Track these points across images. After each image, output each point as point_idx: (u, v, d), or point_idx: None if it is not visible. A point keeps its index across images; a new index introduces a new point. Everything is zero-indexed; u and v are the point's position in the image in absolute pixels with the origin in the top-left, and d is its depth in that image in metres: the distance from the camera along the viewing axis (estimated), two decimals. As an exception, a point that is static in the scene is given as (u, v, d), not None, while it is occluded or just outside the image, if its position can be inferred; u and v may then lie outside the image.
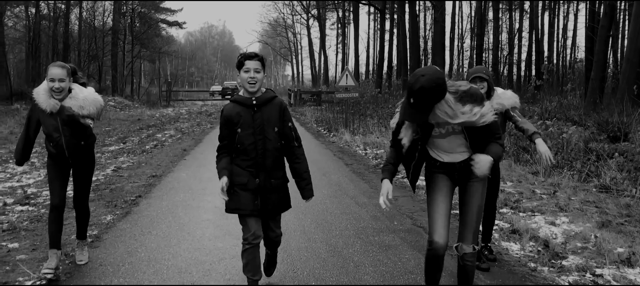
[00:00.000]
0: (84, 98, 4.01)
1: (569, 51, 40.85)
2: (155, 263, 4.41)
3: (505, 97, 4.38)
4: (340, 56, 56.45)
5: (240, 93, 3.50)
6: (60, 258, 4.19)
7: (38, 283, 3.99)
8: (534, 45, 35.20)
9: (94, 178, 8.27)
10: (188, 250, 4.77)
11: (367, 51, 51.73)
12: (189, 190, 7.44)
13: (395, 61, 37.80)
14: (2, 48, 30.16)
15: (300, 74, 67.31)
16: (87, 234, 4.68)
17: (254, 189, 3.41)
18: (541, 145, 4.15)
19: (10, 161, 10.11)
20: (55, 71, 3.90)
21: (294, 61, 68.76)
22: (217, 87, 53.13)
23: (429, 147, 3.19)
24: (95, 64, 37.38)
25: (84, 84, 4.19)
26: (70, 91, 4.01)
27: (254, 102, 3.39)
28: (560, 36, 40.89)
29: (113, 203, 6.62)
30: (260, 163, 3.40)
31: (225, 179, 3.35)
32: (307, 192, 3.62)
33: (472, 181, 3.15)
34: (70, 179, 4.30)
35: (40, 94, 3.97)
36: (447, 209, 3.14)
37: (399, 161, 3.25)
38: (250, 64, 3.33)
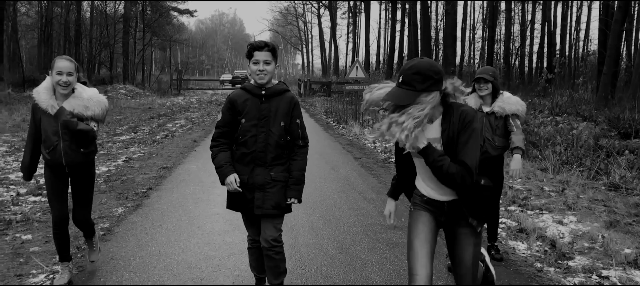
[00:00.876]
0: (89, 98, 3.73)
1: (581, 44, 40.37)
2: (165, 258, 4.48)
3: (509, 102, 4.32)
4: (350, 46, 56.36)
5: (251, 82, 3.35)
6: (72, 270, 4.03)
7: (51, 276, 4.08)
8: (546, 38, 34.87)
9: (105, 169, 8.38)
10: (198, 244, 4.84)
11: (378, 41, 51.43)
12: (199, 183, 7.52)
13: (406, 52, 37.57)
14: (14, 35, 30.45)
15: (311, 63, 67.27)
16: (97, 228, 4.73)
17: (250, 187, 3.29)
18: (514, 163, 4.38)
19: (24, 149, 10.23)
20: (64, 63, 3.61)
21: (304, 50, 68.77)
22: (227, 76, 53.23)
23: (417, 176, 2.83)
24: (107, 51, 37.65)
25: (84, 84, 3.91)
26: (73, 90, 3.72)
27: (263, 92, 3.25)
28: (572, 29, 40.39)
29: (124, 195, 6.71)
30: (260, 157, 3.25)
31: (235, 175, 3.27)
32: (291, 191, 3.32)
33: (462, 227, 2.68)
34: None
35: (41, 93, 3.66)
36: (431, 251, 2.69)
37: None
38: (260, 56, 3.16)
